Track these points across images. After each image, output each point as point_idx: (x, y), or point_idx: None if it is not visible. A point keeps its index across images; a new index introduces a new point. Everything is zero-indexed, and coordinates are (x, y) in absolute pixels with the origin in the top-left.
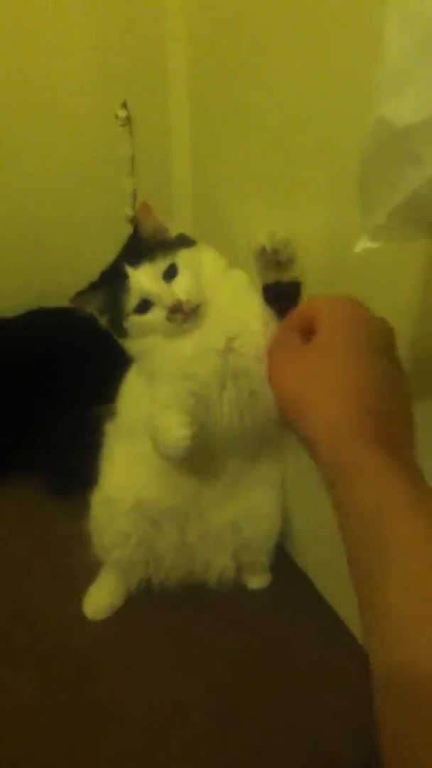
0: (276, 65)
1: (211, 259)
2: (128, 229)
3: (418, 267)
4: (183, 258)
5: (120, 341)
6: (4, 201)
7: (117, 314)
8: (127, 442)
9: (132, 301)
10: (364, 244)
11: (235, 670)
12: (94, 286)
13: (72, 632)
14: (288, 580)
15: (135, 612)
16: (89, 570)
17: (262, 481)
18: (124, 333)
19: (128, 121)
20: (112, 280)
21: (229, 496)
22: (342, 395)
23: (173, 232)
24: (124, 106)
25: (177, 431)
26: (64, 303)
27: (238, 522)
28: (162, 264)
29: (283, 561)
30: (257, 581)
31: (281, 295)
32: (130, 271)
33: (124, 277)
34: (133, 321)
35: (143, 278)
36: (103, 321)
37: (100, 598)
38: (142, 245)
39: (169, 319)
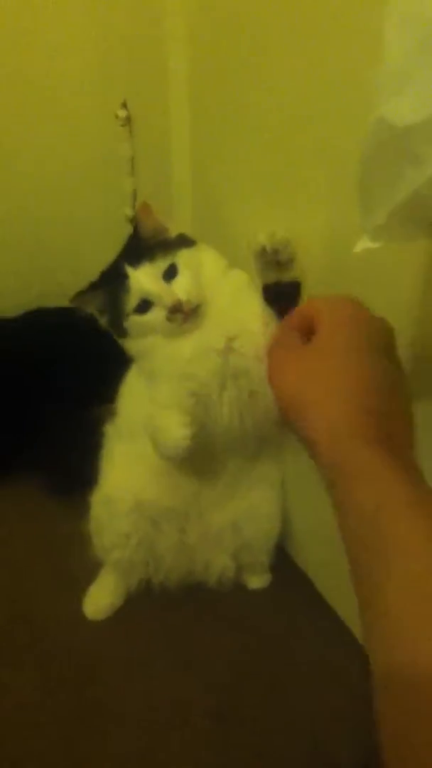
0: (276, 65)
1: (211, 259)
2: (128, 229)
3: (418, 267)
4: (183, 258)
5: (120, 341)
6: (3, 201)
7: (117, 314)
8: (127, 442)
9: (132, 301)
10: (364, 244)
11: (235, 670)
12: (94, 286)
13: (72, 632)
14: (288, 580)
15: (135, 612)
16: (89, 570)
17: (262, 481)
18: (124, 333)
19: (128, 121)
20: (112, 280)
21: (229, 496)
22: (342, 395)
23: (173, 232)
24: (124, 106)
25: (177, 431)
26: (64, 303)
27: (238, 522)
28: (162, 264)
29: (283, 561)
30: (257, 581)
31: (281, 295)
32: (130, 271)
33: (124, 277)
34: (133, 321)
35: (143, 278)
36: (103, 321)
37: (100, 598)
38: (142, 245)
39: (169, 319)
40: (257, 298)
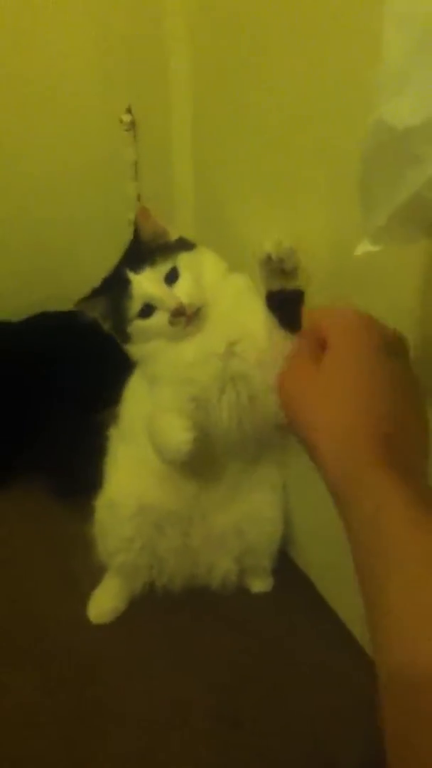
0: (277, 68)
1: (211, 262)
2: (131, 234)
3: (420, 269)
4: (184, 261)
5: (124, 346)
6: (7, 203)
7: (120, 319)
8: (130, 446)
9: (135, 306)
10: (365, 248)
11: (236, 671)
12: (96, 293)
13: (72, 633)
14: (290, 582)
15: (135, 613)
16: (91, 571)
17: (263, 484)
18: (127, 338)
19: (133, 125)
20: (115, 285)
21: (231, 499)
22: (350, 417)
23: (174, 235)
24: (129, 110)
25: (179, 435)
26: (67, 306)
27: (241, 526)
28: (163, 268)
29: (285, 564)
30: (260, 585)
31: (284, 303)
32: (132, 276)
33: (127, 282)
34: (137, 326)
35: (145, 283)
36: (106, 326)
37: (104, 602)
38: (143, 249)
39: (171, 323)
40: (259, 302)
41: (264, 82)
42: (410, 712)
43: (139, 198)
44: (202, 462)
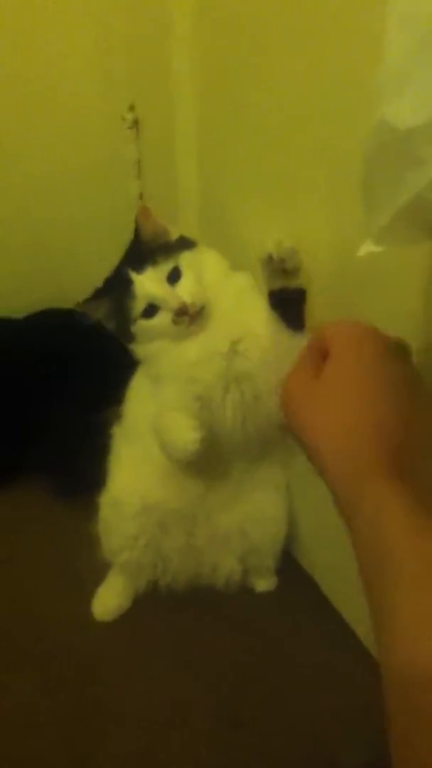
0: (280, 68)
1: (213, 260)
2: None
3: (423, 270)
4: (185, 260)
5: (128, 346)
6: (9, 203)
7: (124, 320)
8: (134, 444)
9: (138, 306)
10: (368, 248)
11: (237, 671)
12: (99, 294)
13: (73, 633)
14: (293, 582)
15: (136, 613)
16: (93, 571)
17: (267, 484)
18: (132, 338)
19: (135, 123)
20: (117, 286)
21: (234, 499)
22: (350, 428)
23: (175, 234)
24: (132, 108)
25: (186, 434)
26: (69, 305)
27: (245, 525)
28: (165, 267)
29: (288, 564)
30: (264, 584)
31: (287, 302)
32: (134, 276)
33: (129, 282)
34: (140, 326)
35: (148, 283)
36: (110, 326)
37: (109, 600)
38: (144, 249)
39: (175, 322)
40: (261, 300)
41: (265, 82)
42: (411, 712)
43: (141, 196)
44: (207, 461)
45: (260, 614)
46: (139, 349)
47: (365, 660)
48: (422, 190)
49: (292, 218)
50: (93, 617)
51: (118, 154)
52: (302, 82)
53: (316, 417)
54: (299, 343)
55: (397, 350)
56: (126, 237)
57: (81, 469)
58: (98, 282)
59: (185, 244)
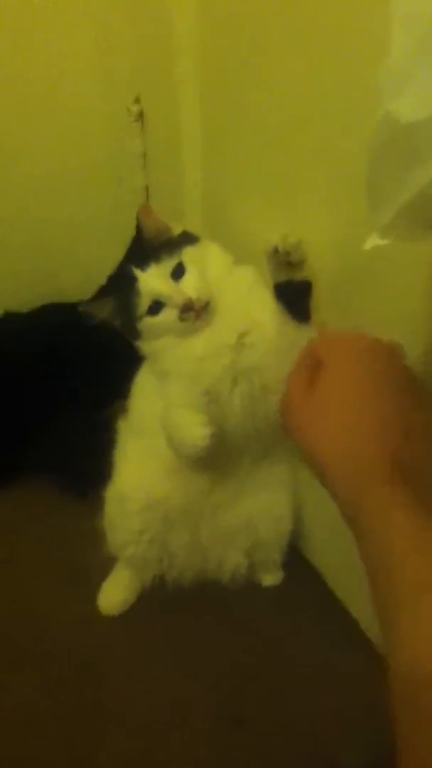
0: (284, 62)
1: (216, 254)
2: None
3: (427, 265)
4: (188, 256)
5: (135, 344)
6: (12, 198)
7: (129, 318)
8: (139, 440)
9: (143, 304)
10: (373, 241)
11: (238, 671)
12: (103, 292)
13: (73, 633)
14: (300, 578)
15: (136, 613)
16: (96, 568)
17: (274, 479)
18: (138, 335)
19: (141, 116)
20: (121, 284)
21: (241, 494)
22: (349, 429)
23: (177, 229)
24: (137, 101)
25: (197, 431)
26: (72, 298)
27: (251, 521)
28: (168, 264)
29: (295, 559)
30: (270, 579)
31: (292, 294)
32: (138, 273)
33: (133, 280)
34: (146, 323)
35: (152, 280)
36: (116, 325)
37: (114, 594)
38: (146, 246)
39: (181, 319)
40: (267, 293)
41: (271, 76)
42: (414, 711)
43: (147, 189)
44: (214, 457)
45: (262, 613)
46: (145, 346)
47: (368, 657)
48: (425, 187)
49: (295, 212)
50: (93, 616)
51: (124, 146)
52: (305, 76)
53: (315, 421)
54: (306, 335)
55: (391, 353)
56: (130, 231)
57: (85, 467)
58: (103, 274)
59: (188, 239)
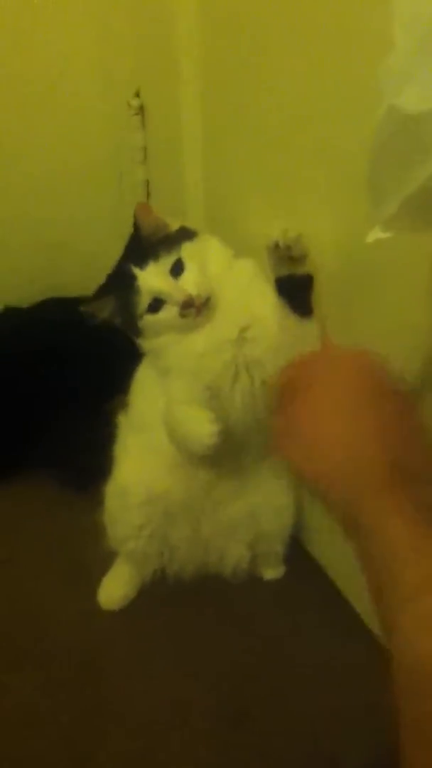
0: (284, 59)
1: (215, 249)
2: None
3: (428, 259)
4: (187, 251)
5: (136, 340)
6: (13, 194)
7: (130, 316)
8: (140, 435)
9: (143, 302)
10: (375, 234)
11: (238, 671)
12: (103, 292)
13: (73, 633)
14: (302, 571)
15: (136, 612)
16: (96, 565)
17: (275, 472)
18: (139, 333)
19: (141, 110)
20: (121, 283)
21: (242, 487)
22: (348, 433)
23: (175, 225)
24: (138, 95)
25: (204, 428)
26: (73, 293)
27: (253, 512)
28: (167, 261)
29: (297, 552)
30: (272, 572)
31: (294, 288)
32: (137, 272)
33: (132, 278)
34: (147, 321)
35: (151, 278)
36: (117, 323)
37: (115, 589)
38: (145, 244)
39: (182, 315)
40: (268, 286)
41: (271, 72)
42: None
43: (147, 184)
44: (216, 452)
45: (263, 606)
46: (146, 344)
47: (371, 649)
48: (429, 179)
49: (296, 206)
50: (94, 613)
51: (124, 141)
52: (306, 73)
53: (307, 432)
54: (307, 328)
55: (371, 364)
56: (131, 226)
57: (85, 461)
58: (103, 273)
59: (186, 234)
